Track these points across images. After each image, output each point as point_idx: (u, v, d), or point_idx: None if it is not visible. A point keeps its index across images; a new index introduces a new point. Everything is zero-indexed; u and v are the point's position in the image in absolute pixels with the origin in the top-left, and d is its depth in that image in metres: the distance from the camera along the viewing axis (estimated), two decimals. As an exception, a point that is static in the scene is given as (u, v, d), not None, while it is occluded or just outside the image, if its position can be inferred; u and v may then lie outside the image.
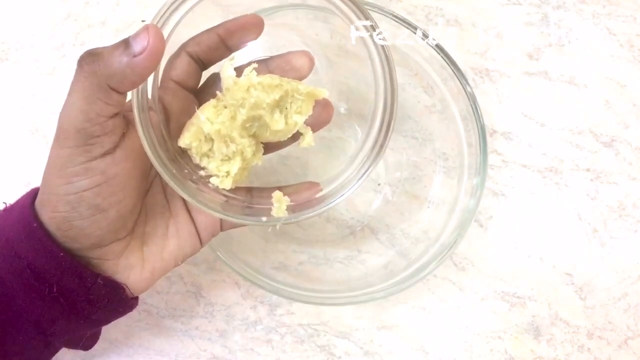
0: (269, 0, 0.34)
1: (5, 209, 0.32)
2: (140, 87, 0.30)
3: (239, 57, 0.33)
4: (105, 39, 0.46)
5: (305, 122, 0.33)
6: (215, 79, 0.34)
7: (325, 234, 0.45)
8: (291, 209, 0.33)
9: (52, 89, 0.46)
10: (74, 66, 0.27)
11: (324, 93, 0.32)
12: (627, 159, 0.45)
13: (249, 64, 0.32)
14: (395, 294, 0.41)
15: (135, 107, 0.30)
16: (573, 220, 0.44)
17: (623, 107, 0.45)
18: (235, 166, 0.32)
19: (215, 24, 0.34)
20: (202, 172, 0.33)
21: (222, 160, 0.32)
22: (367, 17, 0.32)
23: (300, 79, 0.33)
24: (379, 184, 0.45)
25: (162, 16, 0.30)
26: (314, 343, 0.44)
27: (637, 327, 0.44)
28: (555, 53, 0.45)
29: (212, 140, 0.32)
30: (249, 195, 0.35)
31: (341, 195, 0.34)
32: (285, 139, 0.33)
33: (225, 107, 0.31)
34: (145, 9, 0.47)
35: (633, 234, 0.44)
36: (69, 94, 0.27)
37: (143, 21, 0.46)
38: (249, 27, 0.32)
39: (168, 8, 0.30)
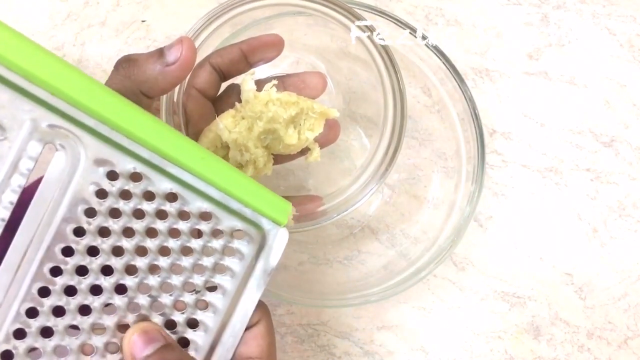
0: (270, 8, 0.35)
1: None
2: (169, 93, 0.32)
3: (257, 71, 0.35)
4: (105, 39, 0.46)
5: (314, 139, 0.35)
6: (232, 89, 0.36)
7: (325, 234, 0.45)
8: (295, 219, 0.34)
9: (52, 89, 0.46)
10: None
11: (335, 113, 0.34)
12: (627, 159, 0.45)
13: (268, 78, 0.34)
14: (396, 294, 0.41)
15: (163, 111, 0.32)
16: (573, 220, 0.44)
17: (623, 107, 0.45)
18: (247, 174, 0.33)
19: (223, 33, 0.36)
20: None
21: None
22: (361, 19, 0.34)
23: (313, 97, 0.35)
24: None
25: (196, 30, 0.33)
26: (314, 343, 0.44)
27: (637, 327, 0.44)
28: (555, 53, 0.45)
29: (227, 147, 0.33)
30: None
31: (344, 211, 0.35)
32: (295, 152, 0.35)
33: (243, 118, 0.33)
34: (146, 9, 0.47)
35: (633, 234, 0.44)
36: None
37: (143, 21, 0.46)
38: (271, 45, 0.34)
39: (202, 24, 0.33)
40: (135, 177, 0.24)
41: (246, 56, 0.34)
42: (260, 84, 0.34)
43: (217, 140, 0.33)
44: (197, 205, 0.25)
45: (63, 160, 0.23)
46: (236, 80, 0.36)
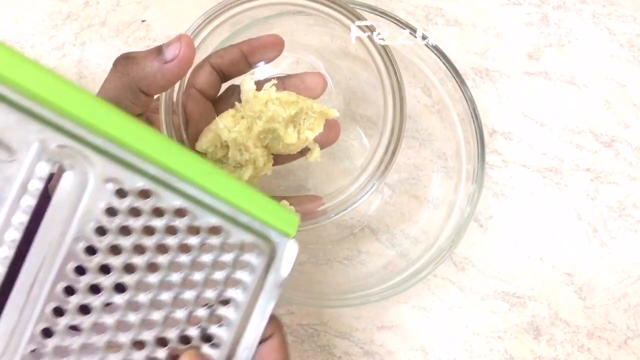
0: (270, 8, 0.35)
1: None
2: (167, 92, 0.32)
3: (257, 72, 0.35)
4: (105, 39, 0.46)
5: (314, 139, 0.35)
6: (232, 90, 0.36)
7: (325, 234, 0.45)
8: None
9: (52, 89, 0.46)
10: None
11: (334, 113, 0.34)
12: (627, 159, 0.45)
13: (267, 79, 0.34)
14: (396, 294, 0.41)
15: (162, 110, 0.32)
16: (573, 220, 0.44)
17: (623, 107, 0.45)
18: (247, 174, 0.34)
19: (223, 33, 0.36)
20: None
21: (234, 167, 0.34)
22: (362, 19, 0.34)
23: (313, 98, 0.35)
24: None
25: (195, 29, 0.33)
26: (314, 343, 0.44)
27: (637, 327, 0.44)
28: (555, 53, 0.45)
29: (227, 147, 0.33)
30: None
31: (344, 210, 0.35)
32: (295, 152, 0.35)
33: (243, 118, 0.33)
34: (146, 9, 0.47)
35: (633, 234, 0.44)
36: (100, 90, 0.29)
37: (143, 21, 0.46)
38: (271, 46, 0.34)
39: (202, 23, 0.33)
40: (144, 194, 0.24)
41: (246, 57, 0.34)
42: (260, 85, 0.34)
43: (216, 139, 0.33)
44: (207, 220, 0.26)
45: (72, 179, 0.23)
46: (236, 81, 0.36)
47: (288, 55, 0.43)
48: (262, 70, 0.36)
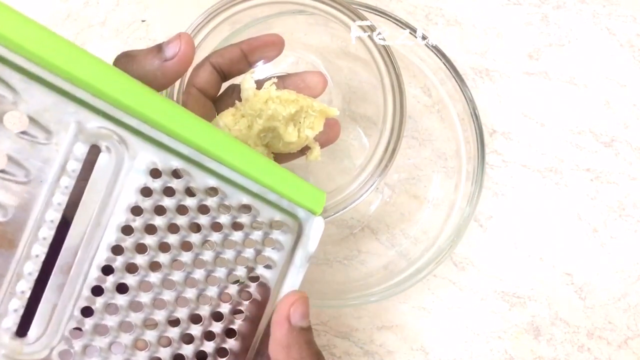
0: (270, 7, 0.35)
1: None
2: (168, 91, 0.32)
3: (257, 71, 0.35)
4: (105, 39, 0.46)
5: (314, 138, 0.35)
6: (233, 89, 0.36)
7: (325, 234, 0.44)
8: None
9: (52, 88, 0.46)
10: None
11: (335, 112, 0.34)
12: (627, 159, 0.45)
13: (268, 78, 0.34)
14: (396, 294, 0.41)
15: None
16: (573, 220, 0.44)
17: (623, 107, 0.45)
18: None
19: (223, 32, 0.36)
20: None
21: None
22: (363, 18, 0.34)
23: (313, 97, 0.35)
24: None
25: (195, 27, 0.33)
26: (313, 343, 0.44)
27: (637, 327, 0.43)
28: (555, 53, 0.45)
29: None
30: None
31: (343, 209, 0.36)
32: (295, 151, 0.35)
33: (243, 116, 0.33)
34: (146, 9, 0.47)
35: (633, 234, 0.44)
36: None
37: (143, 21, 0.46)
38: (271, 45, 0.35)
39: (202, 21, 0.33)
40: (177, 173, 0.25)
41: (246, 56, 0.34)
42: (260, 84, 0.34)
43: None
44: (237, 198, 0.26)
45: (107, 160, 0.24)
46: (236, 80, 0.36)
47: (288, 55, 0.43)
48: (262, 70, 0.36)
